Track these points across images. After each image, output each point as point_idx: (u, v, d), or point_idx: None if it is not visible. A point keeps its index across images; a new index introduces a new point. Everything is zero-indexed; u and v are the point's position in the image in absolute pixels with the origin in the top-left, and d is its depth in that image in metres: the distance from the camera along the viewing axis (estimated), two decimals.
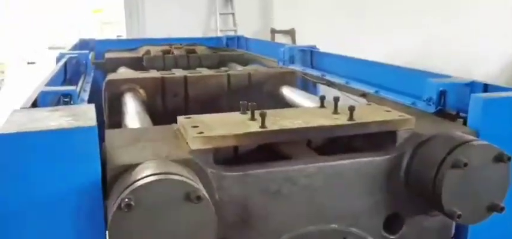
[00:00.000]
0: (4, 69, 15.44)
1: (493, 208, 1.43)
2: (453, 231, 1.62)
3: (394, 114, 1.57)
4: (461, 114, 1.76)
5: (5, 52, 17.09)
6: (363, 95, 2.42)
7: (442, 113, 1.81)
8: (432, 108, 1.84)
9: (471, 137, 1.45)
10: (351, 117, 1.50)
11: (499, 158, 1.40)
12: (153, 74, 2.77)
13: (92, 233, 1.20)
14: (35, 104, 1.64)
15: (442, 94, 1.83)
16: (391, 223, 1.54)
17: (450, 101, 1.82)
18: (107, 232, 1.13)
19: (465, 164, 1.34)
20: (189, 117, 1.51)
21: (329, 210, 1.45)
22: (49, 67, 2.77)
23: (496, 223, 1.49)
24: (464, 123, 1.67)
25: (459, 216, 1.38)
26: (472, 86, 1.84)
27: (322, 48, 3.37)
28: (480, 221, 1.45)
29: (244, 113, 1.56)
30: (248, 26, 7.83)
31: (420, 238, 1.56)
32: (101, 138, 1.31)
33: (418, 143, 1.49)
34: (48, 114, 1.29)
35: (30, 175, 1.13)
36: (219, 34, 7.73)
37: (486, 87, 1.80)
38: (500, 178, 1.42)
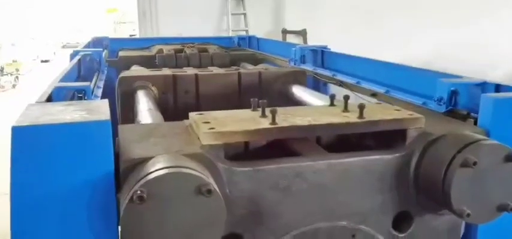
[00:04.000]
0: (19, 67, 15.67)
1: (503, 207, 1.42)
2: (462, 230, 1.61)
3: (404, 113, 1.57)
4: (472, 114, 1.76)
5: (19, 50, 17.33)
6: (374, 94, 2.43)
7: (452, 113, 1.81)
8: (443, 108, 1.84)
9: (481, 137, 1.45)
10: (360, 116, 1.50)
11: (510, 158, 1.39)
12: (165, 71, 2.80)
13: (105, 224, 1.22)
14: (49, 99, 1.68)
15: (453, 94, 1.83)
16: (400, 221, 1.54)
17: (461, 101, 1.82)
18: (119, 223, 1.16)
19: (474, 163, 1.34)
20: (201, 114, 1.53)
21: (338, 207, 1.46)
22: (62, 65, 2.82)
23: (506, 223, 1.49)
24: (475, 123, 1.67)
25: (468, 215, 1.38)
26: (483, 87, 1.83)
27: (334, 49, 3.37)
28: (490, 220, 1.45)
29: (255, 110, 1.58)
30: (260, 26, 7.87)
31: (429, 236, 1.56)
32: (114, 134, 1.33)
33: (428, 142, 1.49)
34: (63, 109, 1.32)
35: (44, 167, 1.16)
36: (231, 34, 7.77)
37: (498, 88, 1.80)
38: (510, 177, 1.42)
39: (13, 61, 15.87)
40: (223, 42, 4.80)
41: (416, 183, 1.50)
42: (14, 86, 14.32)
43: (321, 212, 1.44)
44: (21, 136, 1.13)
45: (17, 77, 14.83)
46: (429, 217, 1.54)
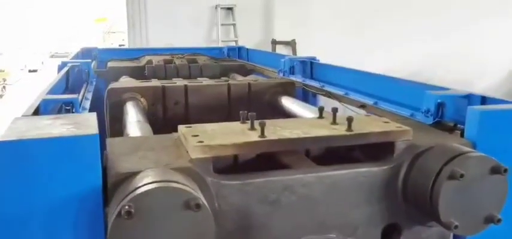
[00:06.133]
0: (6, 77, 15.50)
1: (490, 219, 1.44)
2: None
3: (392, 126, 1.58)
4: (458, 126, 1.77)
5: (7, 60, 17.16)
6: (362, 106, 2.44)
7: (439, 124, 1.83)
8: (430, 120, 1.86)
9: (468, 149, 1.46)
10: (349, 128, 1.51)
11: (496, 170, 1.41)
12: (154, 83, 2.79)
13: None
14: (36, 112, 1.66)
15: (440, 106, 1.85)
16: (389, 233, 1.54)
17: (448, 113, 1.84)
18: (106, 238, 1.14)
19: (462, 176, 1.36)
20: (190, 127, 1.52)
21: (327, 219, 1.46)
22: (50, 75, 2.80)
23: (493, 235, 1.50)
24: (462, 135, 1.69)
25: (456, 227, 1.39)
26: (470, 99, 1.86)
27: (323, 60, 3.40)
28: (477, 232, 1.46)
29: (244, 122, 1.58)
30: (249, 37, 7.88)
31: None
32: (102, 146, 1.32)
33: (416, 154, 1.50)
34: (50, 123, 1.31)
35: (31, 182, 1.14)
36: (221, 45, 7.76)
37: (484, 100, 1.82)
38: (497, 189, 1.43)
39: (0, 71, 15.70)
40: (213, 53, 4.80)
41: (404, 195, 1.51)
42: (1, 96, 14.16)
43: (310, 224, 1.44)
44: (7, 150, 1.12)
45: (4, 87, 14.67)
46: (418, 229, 1.55)
